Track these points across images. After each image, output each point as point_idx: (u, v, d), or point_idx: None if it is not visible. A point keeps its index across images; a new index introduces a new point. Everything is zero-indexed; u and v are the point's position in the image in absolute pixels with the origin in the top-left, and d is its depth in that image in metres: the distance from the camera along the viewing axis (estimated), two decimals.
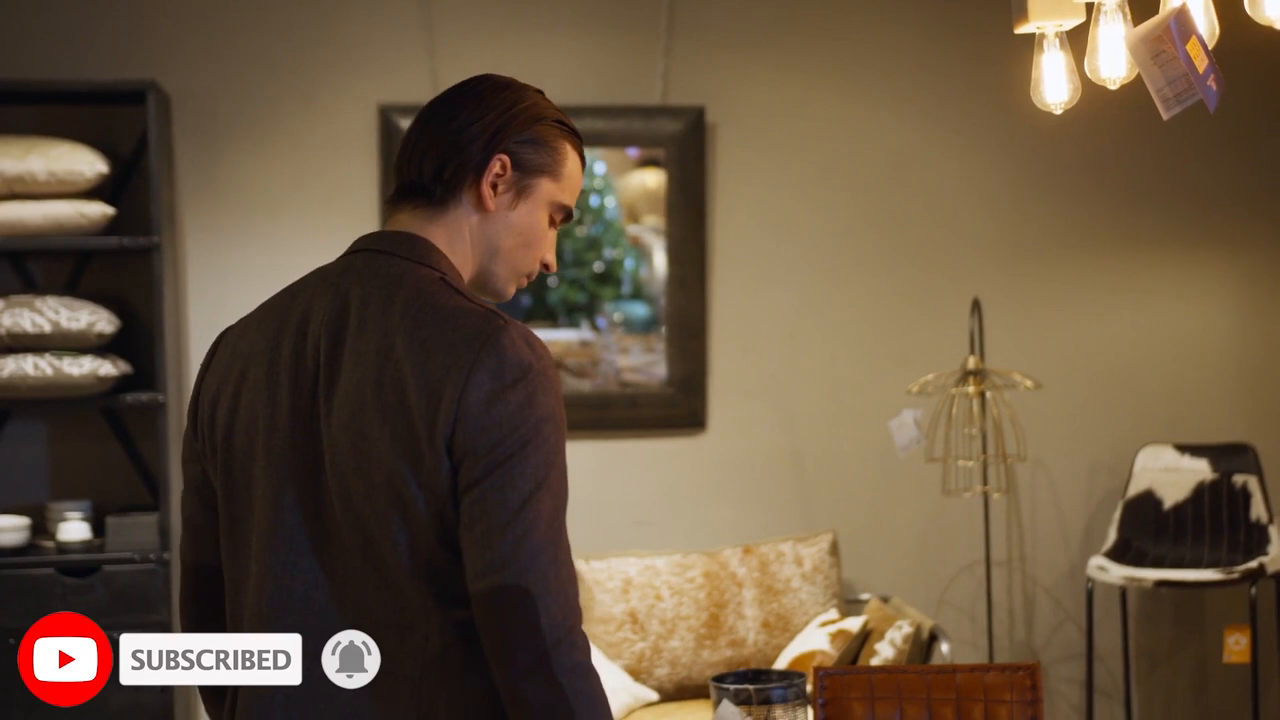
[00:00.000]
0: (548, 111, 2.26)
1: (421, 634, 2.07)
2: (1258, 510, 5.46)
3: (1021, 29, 3.16)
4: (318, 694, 2.11)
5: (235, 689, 2.21)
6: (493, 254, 2.26)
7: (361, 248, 2.25)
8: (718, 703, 3.06)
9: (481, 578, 2.01)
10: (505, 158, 2.22)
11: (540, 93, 2.29)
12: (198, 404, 2.29)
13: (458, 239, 2.24)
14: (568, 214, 2.31)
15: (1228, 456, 5.61)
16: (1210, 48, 2.60)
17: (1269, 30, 2.74)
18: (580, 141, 2.32)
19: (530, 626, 1.99)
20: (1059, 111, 3.24)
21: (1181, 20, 2.49)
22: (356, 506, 2.08)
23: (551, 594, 2.00)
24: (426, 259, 2.19)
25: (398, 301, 2.11)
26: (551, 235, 2.31)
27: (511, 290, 2.31)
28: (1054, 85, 3.19)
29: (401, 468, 2.04)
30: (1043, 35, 3.18)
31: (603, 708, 2.04)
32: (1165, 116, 2.54)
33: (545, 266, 2.32)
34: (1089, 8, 3.00)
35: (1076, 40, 3.16)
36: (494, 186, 2.22)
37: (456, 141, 2.21)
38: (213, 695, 2.33)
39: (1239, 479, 5.53)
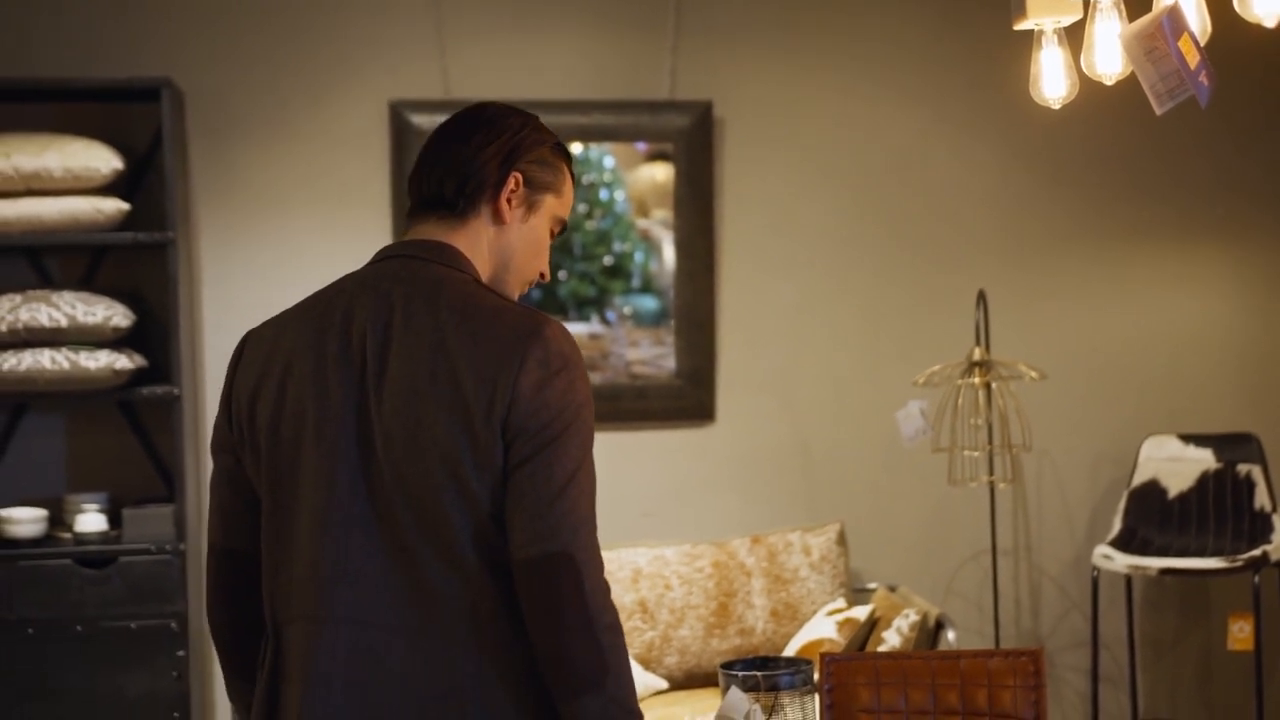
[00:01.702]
0: (547, 136, 2.51)
1: (470, 600, 2.26)
2: (1261, 499, 5.49)
3: (1020, 25, 3.21)
4: (370, 659, 2.28)
5: (278, 659, 2.36)
6: (506, 262, 2.49)
7: (394, 254, 2.45)
8: (726, 689, 3.10)
9: (530, 546, 2.22)
10: (518, 175, 2.45)
11: (537, 119, 2.54)
12: (231, 398, 2.45)
13: (477, 247, 2.45)
14: (563, 226, 2.56)
15: (1231, 446, 5.64)
16: (1202, 44, 2.65)
17: None
18: (571, 161, 2.57)
19: (577, 590, 2.22)
20: (1057, 106, 3.29)
21: (1174, 17, 2.55)
22: (410, 485, 2.26)
23: (593, 562, 2.25)
24: (457, 264, 2.40)
25: (443, 301, 2.32)
26: (549, 247, 2.55)
27: (517, 296, 2.53)
28: (1052, 81, 3.24)
29: (458, 449, 2.23)
30: (1041, 32, 3.23)
31: (628, 662, 2.27)
32: (1158, 112, 2.59)
33: (541, 276, 2.56)
34: (1086, 4, 3.05)
35: (1075, 37, 3.21)
36: (509, 201, 2.46)
37: (474, 161, 2.44)
38: (240, 670, 2.50)
39: (1243, 468, 5.57)
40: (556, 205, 2.51)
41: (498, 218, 2.45)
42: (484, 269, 2.46)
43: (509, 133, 2.47)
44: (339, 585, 2.29)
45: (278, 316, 2.48)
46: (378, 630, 2.28)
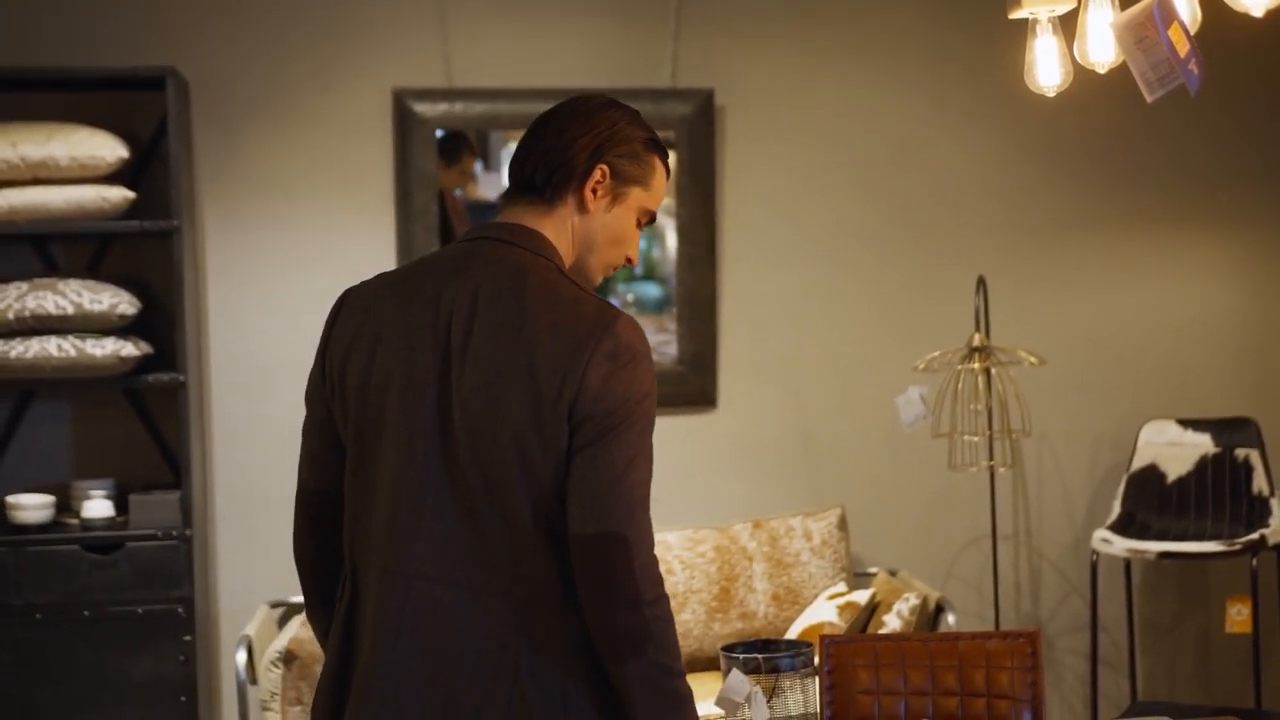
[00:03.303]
0: (640, 131, 2.64)
1: (529, 565, 2.44)
2: (1259, 483, 5.52)
3: (1016, 14, 3.24)
4: (435, 611, 2.47)
5: (355, 599, 2.56)
6: (589, 248, 2.64)
7: (484, 235, 2.60)
8: (727, 672, 3.14)
9: (587, 524, 2.40)
10: (605, 168, 2.60)
11: (636, 113, 2.67)
12: (326, 355, 2.62)
13: (562, 233, 2.61)
14: (652, 217, 2.70)
15: (1230, 430, 5.67)
16: (1193, 33, 2.68)
17: (1271, 10, 2.81)
18: (665, 155, 2.69)
19: (627, 568, 2.39)
20: (1052, 94, 3.33)
21: (1164, 6, 2.58)
22: (483, 456, 2.43)
23: (644, 542, 2.42)
24: (543, 250, 2.56)
25: (526, 288, 2.48)
26: (637, 235, 2.69)
27: (598, 279, 2.68)
28: (1047, 69, 3.27)
29: (527, 428, 2.41)
30: (1036, 20, 3.27)
31: (671, 630, 2.43)
32: (1149, 99, 2.63)
33: (629, 260, 2.70)
34: None
35: (1070, 26, 3.24)
36: (594, 191, 2.60)
37: (566, 152, 2.59)
38: (321, 599, 2.71)
39: (1241, 452, 5.60)
40: (644, 198, 2.64)
41: (582, 207, 2.60)
42: (568, 253, 2.61)
43: (602, 126, 2.60)
44: (413, 541, 2.47)
45: (372, 281, 2.65)
46: (444, 585, 2.46)
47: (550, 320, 2.44)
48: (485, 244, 2.57)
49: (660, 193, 2.69)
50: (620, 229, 2.64)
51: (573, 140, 2.59)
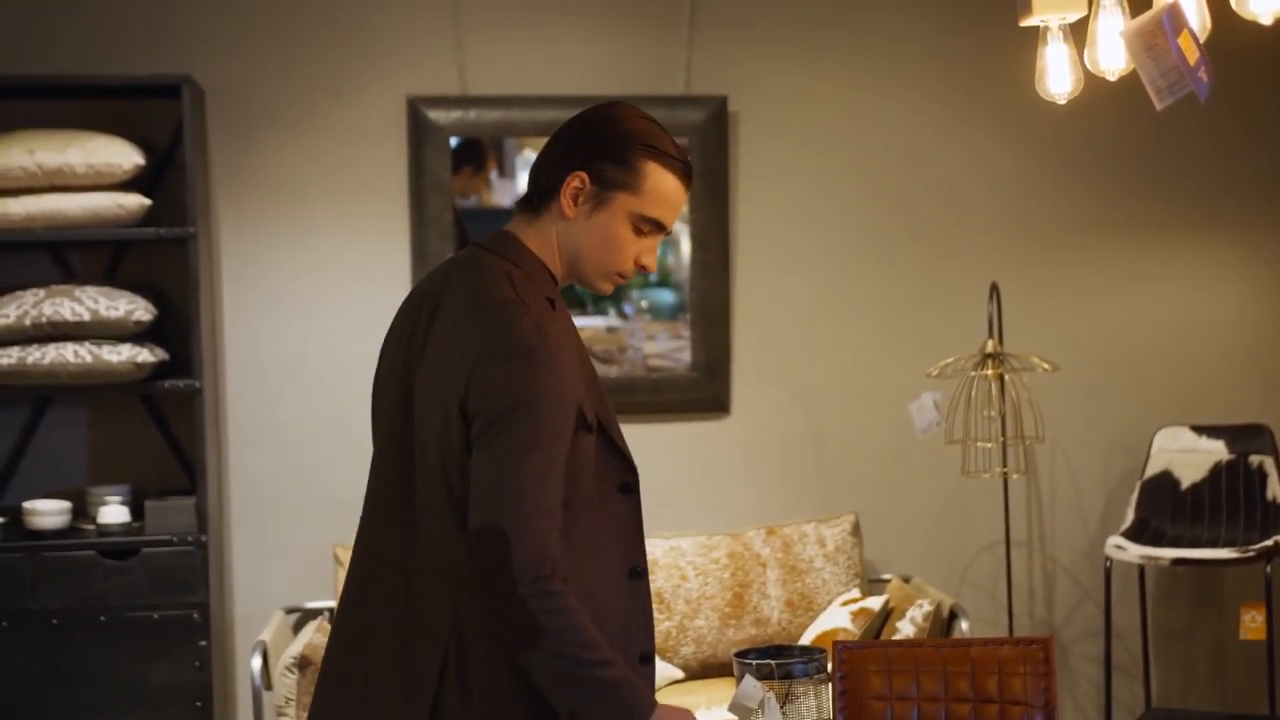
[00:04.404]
0: (640, 137, 2.62)
1: (457, 558, 2.47)
2: (1273, 490, 5.51)
3: (1026, 22, 3.25)
4: (398, 597, 2.55)
5: (345, 583, 2.71)
6: (576, 255, 2.65)
7: (476, 243, 2.68)
8: (740, 678, 3.14)
9: (475, 518, 2.41)
10: (584, 174, 2.60)
11: (642, 119, 2.65)
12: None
13: (547, 241, 2.64)
14: (658, 225, 2.65)
15: (1244, 437, 5.66)
16: (1202, 41, 2.69)
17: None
18: (676, 161, 2.64)
19: (505, 562, 2.37)
20: (1063, 102, 3.33)
21: (1173, 14, 2.59)
22: (424, 455, 2.52)
23: (529, 538, 2.38)
24: (510, 254, 2.61)
25: (469, 287, 2.56)
26: (644, 242, 2.66)
27: (604, 286, 2.70)
28: (1057, 76, 3.28)
29: (443, 427, 2.48)
30: (1046, 28, 3.27)
31: (573, 621, 2.40)
32: (1159, 107, 2.64)
33: (642, 268, 2.68)
34: (1090, 2, 3.09)
35: (1081, 33, 3.25)
36: (574, 199, 2.61)
37: (552, 159, 2.63)
38: None
39: (1255, 459, 5.60)
40: (634, 203, 2.61)
41: (562, 214, 2.62)
42: (555, 261, 2.65)
43: (589, 131, 2.63)
44: (387, 529, 2.60)
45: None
46: (403, 574, 2.55)
47: (467, 315, 2.52)
48: (470, 250, 2.67)
49: (662, 199, 2.63)
50: (607, 235, 2.62)
51: (562, 146, 2.64)
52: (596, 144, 2.61)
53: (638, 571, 2.64)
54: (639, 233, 2.64)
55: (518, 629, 2.39)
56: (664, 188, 2.62)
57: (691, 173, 2.67)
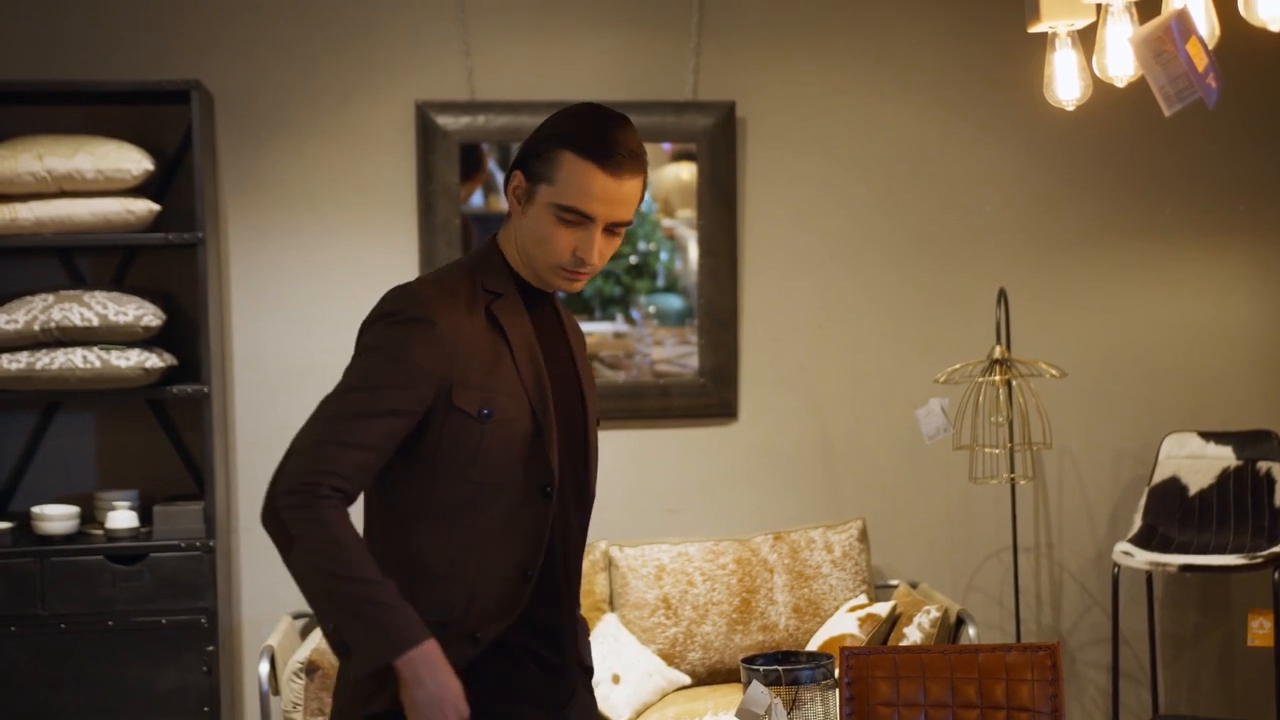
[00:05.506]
0: (561, 129, 2.68)
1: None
2: None
3: (1035, 28, 3.25)
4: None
5: None
6: (525, 250, 2.73)
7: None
8: (748, 684, 3.14)
9: None
10: (519, 172, 2.70)
11: (589, 114, 2.71)
12: None
13: (509, 240, 2.76)
14: (580, 214, 2.65)
15: (1252, 443, 5.66)
16: (1210, 47, 2.69)
17: None
18: (596, 150, 2.64)
19: (276, 475, 2.55)
20: (1071, 108, 3.34)
21: (1182, 21, 2.59)
22: None
23: (301, 452, 2.56)
24: (479, 250, 2.79)
25: None
26: (578, 233, 2.67)
27: (556, 281, 2.74)
28: (1066, 83, 3.28)
29: None
30: (1055, 34, 3.28)
31: (325, 531, 2.52)
32: (1167, 113, 2.64)
33: (582, 262, 2.69)
34: (1098, 8, 3.10)
35: (1089, 40, 3.25)
36: (517, 197, 2.71)
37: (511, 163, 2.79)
38: None
39: (1263, 465, 5.59)
40: (551, 194, 2.65)
41: (512, 213, 2.73)
42: (516, 256, 2.75)
43: (533, 134, 2.72)
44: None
45: None
46: None
47: None
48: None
49: (579, 188, 2.64)
50: (536, 229, 2.68)
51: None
52: (530, 142, 2.70)
53: (528, 575, 2.70)
54: (565, 223, 2.66)
55: (274, 537, 2.53)
56: (579, 176, 2.64)
57: (620, 162, 2.64)
